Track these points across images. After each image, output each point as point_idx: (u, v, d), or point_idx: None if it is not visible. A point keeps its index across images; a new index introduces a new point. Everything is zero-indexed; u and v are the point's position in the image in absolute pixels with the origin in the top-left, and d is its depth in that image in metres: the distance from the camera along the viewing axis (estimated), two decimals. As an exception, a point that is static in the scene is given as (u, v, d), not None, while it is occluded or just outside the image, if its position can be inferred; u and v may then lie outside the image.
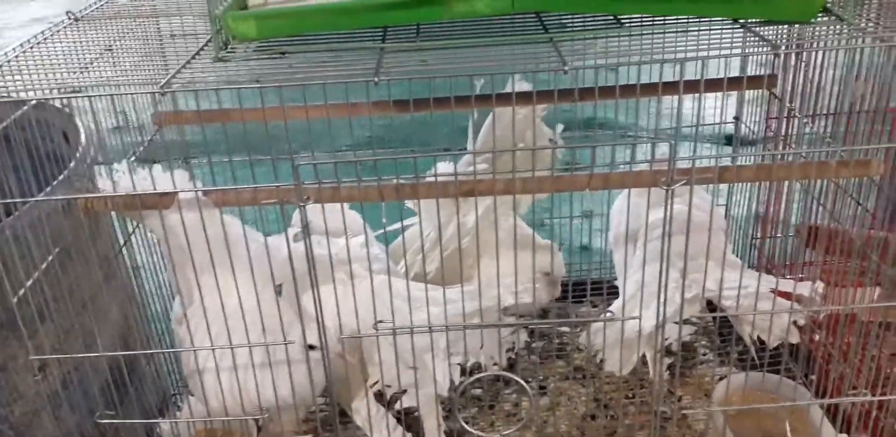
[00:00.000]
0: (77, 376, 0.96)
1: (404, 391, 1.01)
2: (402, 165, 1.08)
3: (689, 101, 1.22)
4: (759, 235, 1.39)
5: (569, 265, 1.54)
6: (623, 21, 0.85)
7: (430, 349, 0.96)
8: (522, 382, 0.96)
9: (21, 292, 0.83)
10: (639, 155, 0.97)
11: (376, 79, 0.74)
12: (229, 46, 0.81)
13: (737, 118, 1.33)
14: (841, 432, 1.05)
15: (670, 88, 0.97)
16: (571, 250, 1.69)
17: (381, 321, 0.91)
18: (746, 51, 0.81)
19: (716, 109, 1.44)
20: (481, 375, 1.00)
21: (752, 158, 1.38)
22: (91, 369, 0.97)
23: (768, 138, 1.27)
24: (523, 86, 1.19)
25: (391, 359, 0.94)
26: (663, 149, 0.86)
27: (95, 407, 0.96)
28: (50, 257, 0.85)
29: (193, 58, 0.81)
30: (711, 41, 0.81)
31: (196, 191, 0.87)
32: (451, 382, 0.98)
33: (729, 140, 1.40)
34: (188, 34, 0.99)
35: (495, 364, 1.03)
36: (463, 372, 1.01)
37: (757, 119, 1.31)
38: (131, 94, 0.76)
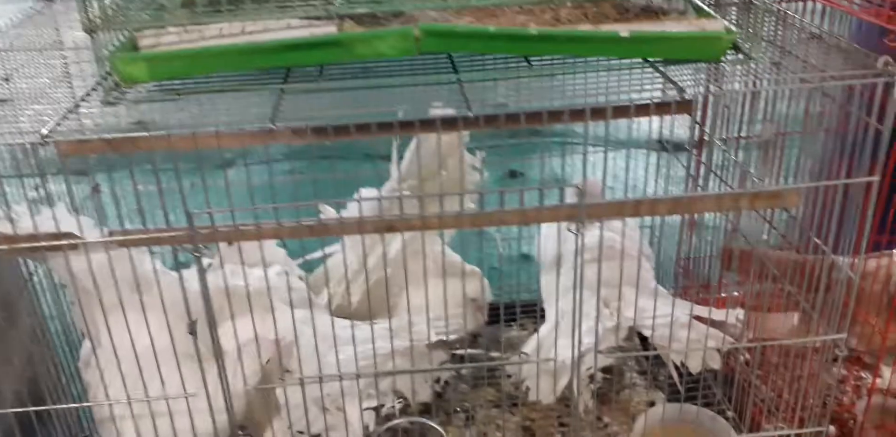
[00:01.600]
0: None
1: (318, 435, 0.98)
2: (324, 182, 1.05)
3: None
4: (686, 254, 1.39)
5: (504, 285, 1.53)
6: (533, 62, 0.84)
7: (344, 394, 0.93)
8: (440, 428, 0.94)
9: None
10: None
11: (273, 125, 0.71)
12: (120, 88, 0.77)
13: (660, 141, 1.34)
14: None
15: (598, 113, 0.96)
16: (510, 262, 1.68)
17: (287, 371, 0.88)
18: (654, 91, 0.81)
19: (645, 120, 1.44)
20: (393, 422, 0.98)
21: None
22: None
23: (692, 152, 1.28)
24: (447, 112, 1.17)
25: (302, 406, 0.92)
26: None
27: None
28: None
29: (83, 100, 0.77)
30: (621, 80, 0.81)
31: (105, 240, 0.83)
32: (366, 427, 0.95)
33: (662, 146, 1.40)
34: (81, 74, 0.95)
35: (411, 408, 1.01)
36: (381, 413, 0.99)
37: (686, 125, 1.31)
38: (14, 143, 0.72)
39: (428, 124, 1.09)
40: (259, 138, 1.06)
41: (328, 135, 0.94)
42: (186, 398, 0.87)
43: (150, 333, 0.91)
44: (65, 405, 0.96)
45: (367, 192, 1.28)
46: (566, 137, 2.05)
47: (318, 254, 1.28)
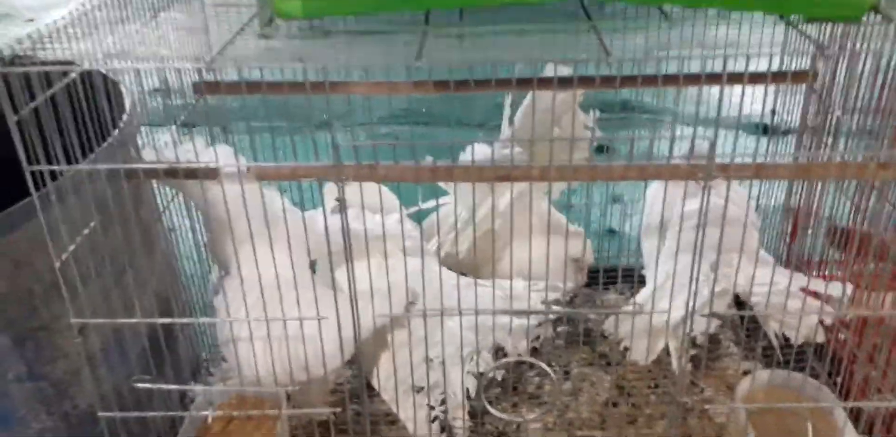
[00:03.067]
0: (115, 339, 0.99)
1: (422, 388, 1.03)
2: (421, 147, 1.09)
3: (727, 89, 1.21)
4: (790, 230, 1.38)
5: (597, 251, 1.54)
6: (668, 13, 0.85)
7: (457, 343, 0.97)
8: (545, 366, 0.97)
9: (64, 256, 0.85)
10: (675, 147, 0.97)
11: (417, 63, 0.75)
12: (273, 23, 0.82)
13: (773, 111, 1.32)
14: (862, 434, 1.04)
15: (712, 79, 0.96)
16: (600, 234, 1.69)
17: (412, 303, 0.92)
18: (790, 47, 0.80)
19: (754, 98, 1.42)
20: (504, 360, 1.01)
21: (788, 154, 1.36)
22: (129, 334, 1.00)
23: (806, 131, 1.26)
24: (563, 71, 1.18)
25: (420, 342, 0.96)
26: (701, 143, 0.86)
27: (133, 370, 0.99)
28: (92, 223, 0.87)
29: (238, 34, 0.82)
30: (754, 37, 0.81)
31: (238, 166, 0.89)
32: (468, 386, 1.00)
33: (765, 129, 1.39)
34: (231, 4, 1.00)
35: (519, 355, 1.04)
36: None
37: (793, 110, 1.29)
38: (177, 67, 0.78)
39: (545, 82, 1.11)
40: (386, 89, 1.11)
41: (449, 89, 0.97)
42: (319, 320, 0.92)
43: (274, 264, 0.96)
44: (189, 319, 1.02)
45: (479, 146, 1.31)
46: (657, 114, 2.03)
47: (430, 204, 1.32)
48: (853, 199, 1.13)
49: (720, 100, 0.89)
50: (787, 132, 1.35)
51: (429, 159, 1.14)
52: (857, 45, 0.82)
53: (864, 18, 0.82)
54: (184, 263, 1.16)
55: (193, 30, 0.88)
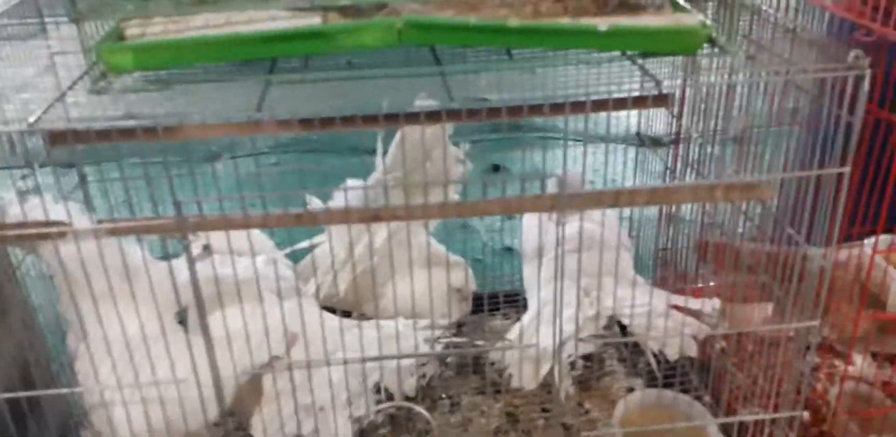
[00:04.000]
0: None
1: None
2: (310, 174, 1.07)
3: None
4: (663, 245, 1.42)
5: (493, 271, 1.55)
6: (514, 54, 0.86)
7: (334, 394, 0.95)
8: (423, 411, 0.96)
9: None
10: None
11: (258, 115, 0.73)
12: (107, 78, 0.78)
13: (638, 134, 1.36)
14: (737, 444, 1.08)
15: (577, 107, 0.98)
16: (493, 254, 1.70)
17: (277, 357, 0.90)
18: (635, 82, 0.82)
19: (626, 115, 1.46)
20: (382, 406, 1.00)
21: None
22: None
23: (670, 145, 1.30)
24: (430, 104, 1.18)
25: (290, 402, 0.93)
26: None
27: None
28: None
29: (69, 90, 0.78)
30: (601, 73, 0.83)
31: (94, 228, 0.84)
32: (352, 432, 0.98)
33: (641, 141, 1.43)
34: (73, 52, 0.95)
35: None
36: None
37: (668, 121, 1.34)
38: (1, 132, 0.73)
39: (412, 117, 1.10)
40: (246, 129, 1.07)
41: (314, 127, 0.96)
42: (176, 383, 0.88)
43: (140, 320, 0.92)
44: (55, 391, 0.97)
45: (352, 182, 1.30)
46: (547, 131, 2.08)
47: (304, 244, 1.30)
48: (714, 213, 1.17)
49: (565, 128, 0.90)
50: (661, 143, 1.39)
51: (310, 199, 1.12)
52: (694, 76, 0.85)
53: (703, 51, 0.85)
54: (43, 328, 1.09)
55: (23, 86, 0.83)
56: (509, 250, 1.75)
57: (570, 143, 1.54)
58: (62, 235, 0.84)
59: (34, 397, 1.00)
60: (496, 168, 2.20)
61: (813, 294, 0.96)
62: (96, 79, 0.77)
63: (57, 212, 0.87)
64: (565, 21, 0.83)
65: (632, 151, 1.37)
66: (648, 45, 0.82)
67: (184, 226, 0.79)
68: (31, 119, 0.71)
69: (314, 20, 0.78)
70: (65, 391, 0.96)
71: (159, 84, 0.78)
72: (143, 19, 0.78)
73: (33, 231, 0.82)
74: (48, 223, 0.83)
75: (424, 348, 1.08)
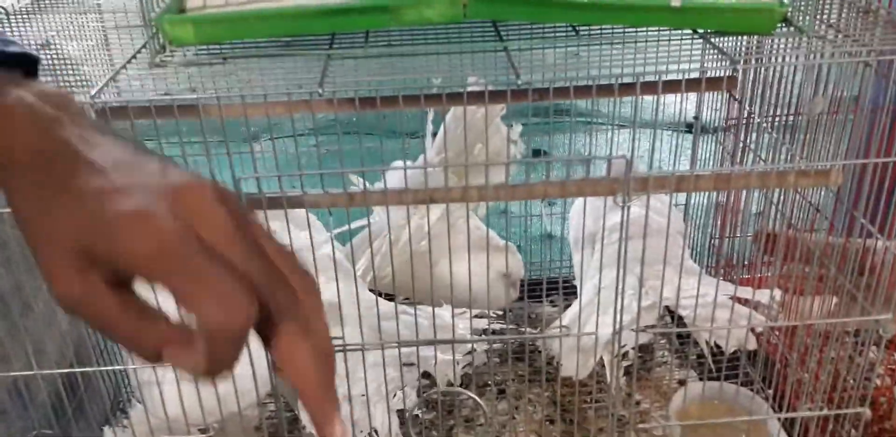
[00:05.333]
0: (15, 396, 0.92)
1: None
2: (353, 155, 1.05)
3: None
4: (717, 234, 1.38)
5: (536, 259, 1.53)
6: (581, 30, 0.83)
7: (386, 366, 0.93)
8: (473, 395, 0.94)
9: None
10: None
11: (320, 91, 0.71)
12: (167, 50, 0.77)
13: (696, 118, 1.32)
14: (796, 440, 1.05)
15: (627, 90, 0.95)
16: (532, 241, 1.67)
17: (334, 337, 0.88)
18: (704, 62, 0.79)
19: (676, 100, 1.42)
20: (429, 392, 0.98)
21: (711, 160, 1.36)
22: (30, 389, 0.93)
23: (728, 130, 1.27)
24: (481, 83, 1.16)
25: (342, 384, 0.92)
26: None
27: (35, 423, 0.93)
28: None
29: (128, 63, 0.77)
30: (671, 51, 0.79)
31: None
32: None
33: (689, 127, 1.39)
34: (133, 26, 0.94)
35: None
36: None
37: (718, 107, 1.30)
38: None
39: (475, 96, 1.08)
40: (306, 107, 1.06)
41: (375, 106, 0.94)
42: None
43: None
44: (108, 367, 0.97)
45: (400, 163, 1.28)
46: (591, 116, 2.04)
47: (355, 225, 1.28)
48: (777, 202, 1.13)
49: (635, 109, 0.87)
50: (714, 130, 1.36)
51: (352, 178, 1.10)
52: (770, 57, 0.81)
53: (777, 30, 0.82)
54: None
55: (82, 59, 0.82)
56: (550, 236, 1.72)
57: (616, 128, 1.50)
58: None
59: (86, 373, 1.00)
60: (538, 153, 2.17)
61: (886, 286, 0.92)
62: (156, 52, 0.76)
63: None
64: (636, -3, 0.80)
65: (678, 138, 1.34)
66: (724, 23, 0.78)
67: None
68: (92, 92, 0.70)
69: (378, -7, 0.76)
70: (118, 367, 0.96)
71: (219, 58, 0.76)
72: (204, -9, 0.77)
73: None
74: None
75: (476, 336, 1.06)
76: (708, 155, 1.36)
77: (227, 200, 0.40)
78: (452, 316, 0.99)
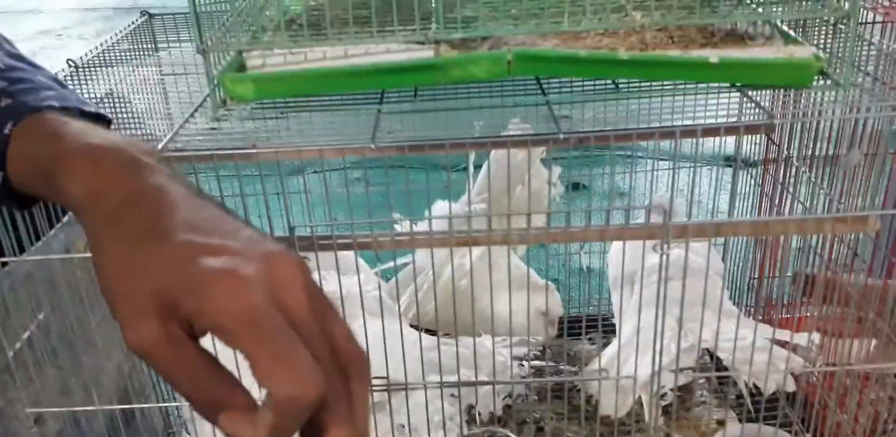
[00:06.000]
0: (73, 423, 0.96)
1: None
2: (394, 190, 1.08)
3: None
4: (756, 275, 1.39)
5: (574, 294, 1.55)
6: (621, 85, 0.86)
7: (432, 412, 0.96)
8: (513, 435, 0.96)
9: (17, 345, 0.83)
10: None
11: (372, 145, 0.75)
12: (227, 104, 0.82)
13: (734, 159, 1.34)
14: (835, 484, 1.04)
15: (666, 135, 0.97)
16: (570, 275, 1.70)
17: (375, 377, 0.91)
18: (742, 114, 0.82)
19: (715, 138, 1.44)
20: (472, 432, 1.00)
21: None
22: (89, 417, 0.97)
23: (766, 170, 1.28)
24: (524, 128, 1.19)
25: (386, 421, 0.95)
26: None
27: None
28: (42, 314, 0.86)
29: (191, 116, 0.82)
30: (708, 104, 0.82)
31: None
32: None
33: (729, 160, 1.41)
34: (189, 73, 1.00)
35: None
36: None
37: (757, 141, 1.32)
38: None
39: (503, 142, 1.12)
40: (359, 152, 1.11)
41: (424, 151, 0.97)
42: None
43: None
44: (156, 404, 1.00)
45: (442, 204, 1.31)
46: (631, 150, 2.06)
47: (398, 262, 1.32)
48: (816, 246, 1.14)
49: (674, 153, 0.90)
50: (753, 164, 1.37)
51: (396, 216, 1.14)
52: (807, 111, 0.84)
53: (815, 83, 0.84)
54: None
55: (149, 112, 0.87)
56: (589, 270, 1.74)
57: (656, 163, 1.53)
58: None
59: (130, 409, 1.04)
60: (577, 186, 2.20)
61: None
62: (217, 106, 0.80)
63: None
64: (674, 52, 0.83)
65: (717, 172, 1.35)
66: (761, 78, 0.81)
67: (295, 246, 0.81)
68: (160, 146, 0.75)
69: (427, 53, 0.80)
70: (172, 404, 0.99)
71: (277, 112, 0.81)
72: (263, 50, 0.82)
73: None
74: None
75: (515, 368, 1.09)
76: (748, 189, 1.38)
77: (311, 278, 0.41)
78: (493, 344, 1.01)
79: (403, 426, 0.97)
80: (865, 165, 0.99)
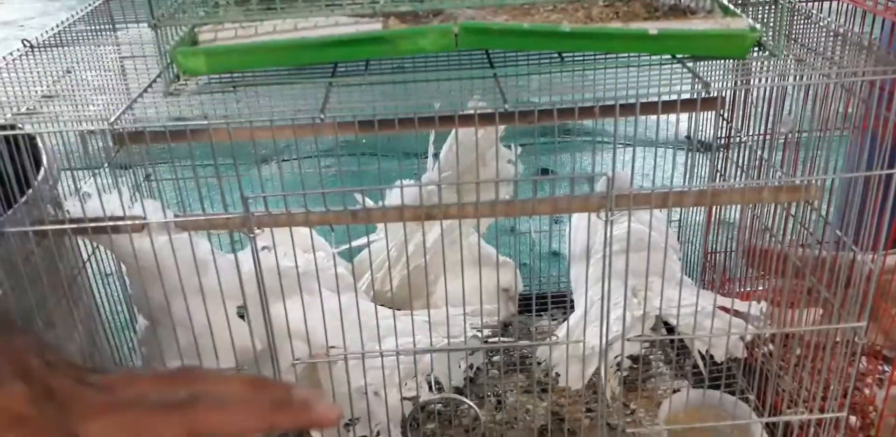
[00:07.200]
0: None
1: (357, 419, 1.03)
2: (365, 176, 1.10)
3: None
4: (710, 249, 1.43)
5: (540, 276, 1.58)
6: (565, 57, 0.88)
7: (385, 377, 0.98)
8: (472, 404, 0.98)
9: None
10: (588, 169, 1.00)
11: (322, 116, 0.77)
12: (180, 80, 0.83)
13: (688, 137, 1.37)
14: (782, 445, 1.09)
15: (627, 110, 1.00)
16: (540, 258, 1.73)
17: (332, 347, 0.93)
18: (683, 85, 0.85)
19: (672, 119, 1.47)
20: (429, 398, 1.03)
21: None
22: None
23: (720, 148, 1.32)
24: (483, 106, 1.21)
25: (344, 387, 0.97)
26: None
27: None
28: (0, 290, 0.87)
29: (144, 91, 0.83)
30: (651, 76, 0.85)
31: (168, 221, 0.89)
32: (402, 415, 1.01)
33: (690, 143, 1.44)
34: (140, 56, 1.01)
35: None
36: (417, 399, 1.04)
37: (714, 124, 1.35)
38: (82, 129, 0.78)
39: (466, 119, 1.14)
40: (310, 130, 1.12)
41: (373, 128, 1.00)
42: (238, 370, 0.93)
43: (206, 311, 0.97)
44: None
45: (405, 184, 1.33)
46: (596, 135, 2.10)
47: (358, 242, 1.34)
48: (760, 217, 1.18)
49: (615, 130, 0.92)
50: (708, 147, 1.41)
51: (357, 197, 1.16)
52: (745, 79, 0.87)
53: (752, 54, 0.87)
54: (114, 310, 1.16)
55: (101, 88, 0.88)
56: (556, 254, 1.77)
57: (620, 147, 1.55)
58: (139, 228, 0.90)
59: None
60: (545, 172, 2.23)
61: (861, 296, 0.96)
62: (170, 81, 0.82)
63: (134, 206, 0.93)
64: (616, 25, 0.86)
65: (681, 156, 1.39)
66: (698, 49, 0.84)
67: (250, 221, 0.83)
68: (111, 118, 0.76)
69: (375, 26, 0.82)
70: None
71: (229, 86, 0.83)
72: (214, 25, 0.83)
73: (112, 224, 0.87)
74: (126, 218, 0.89)
75: (472, 338, 1.11)
76: (706, 172, 1.41)
77: None
78: (447, 314, 1.04)
79: (362, 391, 1.00)
80: (818, 140, 1.02)
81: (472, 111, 0.92)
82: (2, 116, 0.82)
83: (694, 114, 1.35)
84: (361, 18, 0.82)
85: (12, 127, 0.80)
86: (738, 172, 1.24)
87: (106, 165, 1.08)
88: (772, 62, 0.87)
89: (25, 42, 1.01)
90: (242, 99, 0.82)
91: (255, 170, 1.21)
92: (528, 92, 0.80)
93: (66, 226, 0.86)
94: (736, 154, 1.25)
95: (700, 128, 1.35)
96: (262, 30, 0.82)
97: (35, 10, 5.65)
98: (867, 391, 1.25)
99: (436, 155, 1.33)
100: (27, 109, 0.84)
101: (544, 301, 1.52)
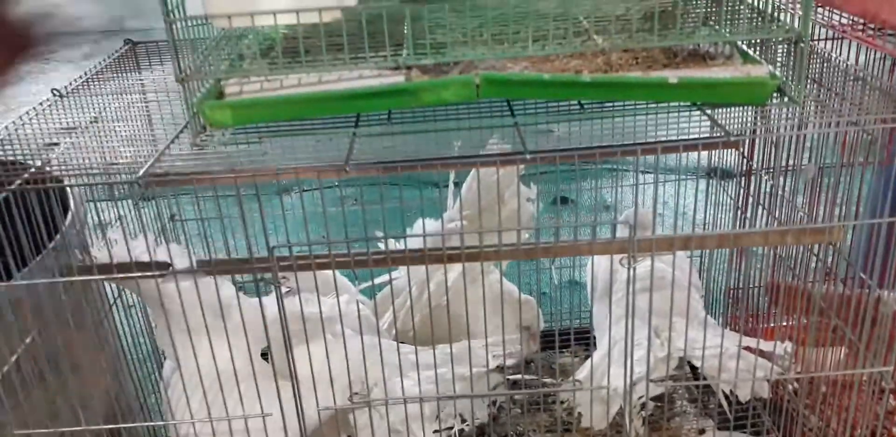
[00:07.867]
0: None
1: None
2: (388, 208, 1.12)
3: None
4: (733, 287, 1.42)
5: (558, 308, 1.58)
6: (585, 106, 0.89)
7: (413, 418, 0.98)
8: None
9: (5, 368, 0.85)
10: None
11: (347, 168, 0.78)
12: (207, 131, 0.85)
13: (709, 174, 1.38)
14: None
15: (648, 150, 1.00)
16: (560, 289, 1.72)
17: (356, 393, 0.93)
18: (702, 132, 0.85)
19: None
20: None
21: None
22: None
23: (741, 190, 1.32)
24: (503, 148, 1.22)
25: (370, 430, 0.97)
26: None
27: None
28: (29, 338, 0.88)
29: (171, 143, 0.85)
30: (669, 123, 0.86)
31: (192, 271, 0.90)
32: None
33: (711, 174, 1.45)
34: (174, 100, 1.03)
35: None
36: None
37: (734, 154, 1.35)
38: (110, 183, 0.80)
39: (486, 159, 1.15)
40: (334, 174, 1.14)
41: (396, 170, 1.00)
42: (263, 417, 0.93)
43: (231, 355, 0.97)
44: (152, 423, 1.02)
45: (427, 222, 1.34)
46: (616, 164, 2.10)
47: (380, 280, 1.35)
48: (784, 255, 1.18)
49: (635, 169, 0.93)
50: (731, 176, 1.41)
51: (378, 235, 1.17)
52: (765, 124, 0.87)
53: (772, 100, 0.87)
54: (137, 351, 1.17)
55: (129, 139, 0.90)
56: (576, 283, 1.77)
57: (640, 176, 1.56)
58: (163, 276, 0.91)
59: (117, 429, 1.05)
60: (564, 200, 2.23)
61: (887, 338, 0.95)
62: (197, 132, 0.83)
63: (160, 252, 0.94)
64: (636, 73, 0.86)
65: (702, 184, 1.39)
66: (719, 97, 0.84)
67: (275, 267, 0.84)
68: (141, 172, 0.77)
69: (398, 78, 0.83)
70: (159, 423, 1.01)
71: (255, 138, 0.84)
72: (241, 78, 0.85)
73: (138, 274, 0.89)
74: (151, 264, 0.90)
75: (494, 372, 1.11)
76: (729, 201, 1.41)
77: None
78: (469, 349, 1.03)
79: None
80: (824, 176, 1.02)
81: (493, 150, 0.93)
82: (33, 165, 0.84)
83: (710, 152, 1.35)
84: (385, 71, 0.83)
85: (43, 180, 0.82)
86: (759, 207, 1.24)
87: (132, 207, 1.09)
88: (791, 109, 0.87)
89: (55, 91, 1.03)
90: (268, 150, 0.83)
91: (278, 200, 1.22)
92: (548, 142, 0.81)
93: (94, 277, 0.88)
94: (756, 190, 1.25)
95: (721, 157, 1.36)
96: (287, 82, 0.83)
97: (59, 43, 5.75)
98: (895, 430, 1.23)
99: (457, 184, 1.34)
100: (56, 158, 0.86)
101: (567, 337, 1.51)
